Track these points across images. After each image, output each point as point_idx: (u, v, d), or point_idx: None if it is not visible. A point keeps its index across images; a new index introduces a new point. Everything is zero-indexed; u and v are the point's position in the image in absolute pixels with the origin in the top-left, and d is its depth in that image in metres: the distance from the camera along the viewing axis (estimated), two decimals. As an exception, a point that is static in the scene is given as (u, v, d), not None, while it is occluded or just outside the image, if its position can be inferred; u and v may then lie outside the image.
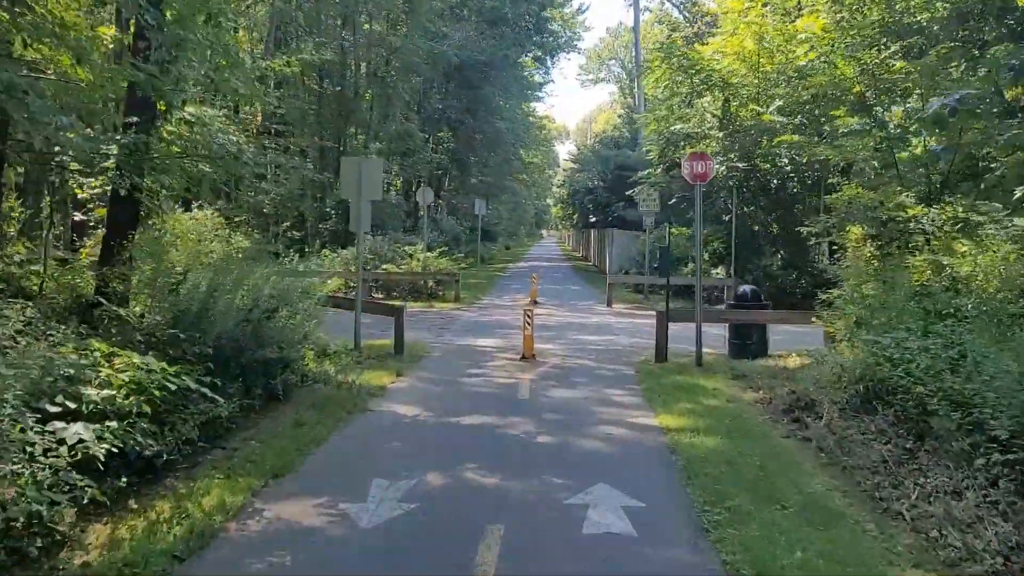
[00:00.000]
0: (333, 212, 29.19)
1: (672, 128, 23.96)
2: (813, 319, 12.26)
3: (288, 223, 29.36)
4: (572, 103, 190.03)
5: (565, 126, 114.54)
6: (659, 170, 25.24)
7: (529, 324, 13.16)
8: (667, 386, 11.09)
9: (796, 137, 20.63)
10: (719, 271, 24.82)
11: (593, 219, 46.77)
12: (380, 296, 23.33)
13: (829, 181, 22.12)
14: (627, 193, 31.39)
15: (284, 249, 28.48)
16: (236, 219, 29.91)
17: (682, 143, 23.25)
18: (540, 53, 45.55)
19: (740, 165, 23.00)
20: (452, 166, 40.64)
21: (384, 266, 23.36)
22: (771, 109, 20.41)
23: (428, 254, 23.91)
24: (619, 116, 51.50)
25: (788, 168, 21.91)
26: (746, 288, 13.88)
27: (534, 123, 59.18)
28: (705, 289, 24.30)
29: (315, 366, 11.13)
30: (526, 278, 36.03)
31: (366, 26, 30.71)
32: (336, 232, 28.37)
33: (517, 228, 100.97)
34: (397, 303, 13.36)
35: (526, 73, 45.31)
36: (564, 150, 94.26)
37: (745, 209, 23.60)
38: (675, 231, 29.02)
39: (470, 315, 20.11)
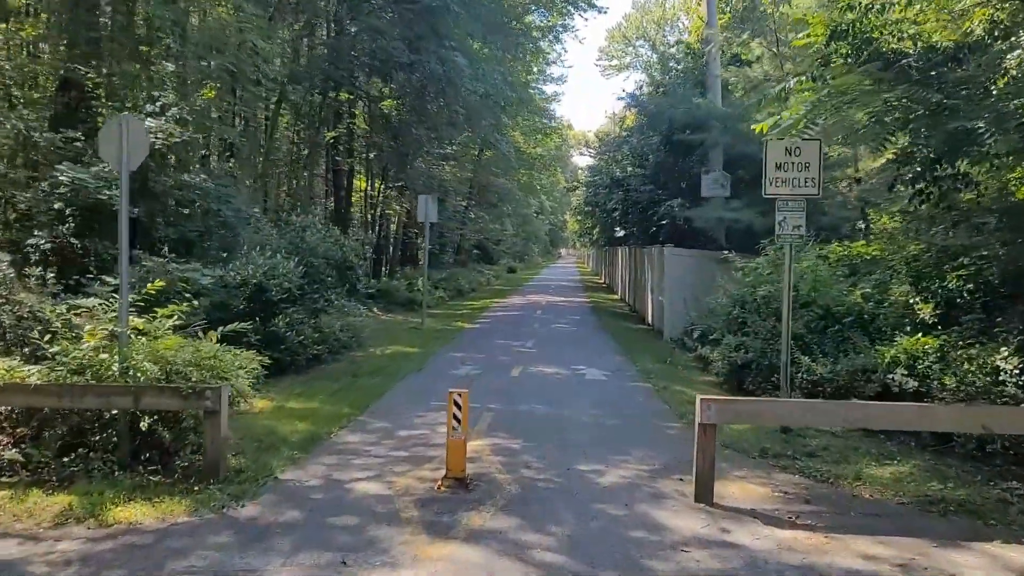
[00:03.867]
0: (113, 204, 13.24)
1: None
2: None
3: (47, 235, 13.31)
4: (592, 109, 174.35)
5: (584, 134, 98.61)
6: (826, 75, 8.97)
7: None
8: None
9: None
10: (1005, 359, 8.59)
11: (621, 232, 30.46)
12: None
13: None
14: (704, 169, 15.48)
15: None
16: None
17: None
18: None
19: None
20: (391, 143, 24.65)
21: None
22: None
23: (139, 320, 7.84)
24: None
25: None
26: None
27: (536, 94, 43.08)
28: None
29: None
30: (513, 331, 20.07)
31: None
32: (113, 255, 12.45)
33: (527, 247, 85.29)
34: None
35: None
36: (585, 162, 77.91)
37: None
38: (820, 248, 13.05)
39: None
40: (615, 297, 35.73)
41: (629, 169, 25.89)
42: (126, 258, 7.53)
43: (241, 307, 12.18)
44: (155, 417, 7.40)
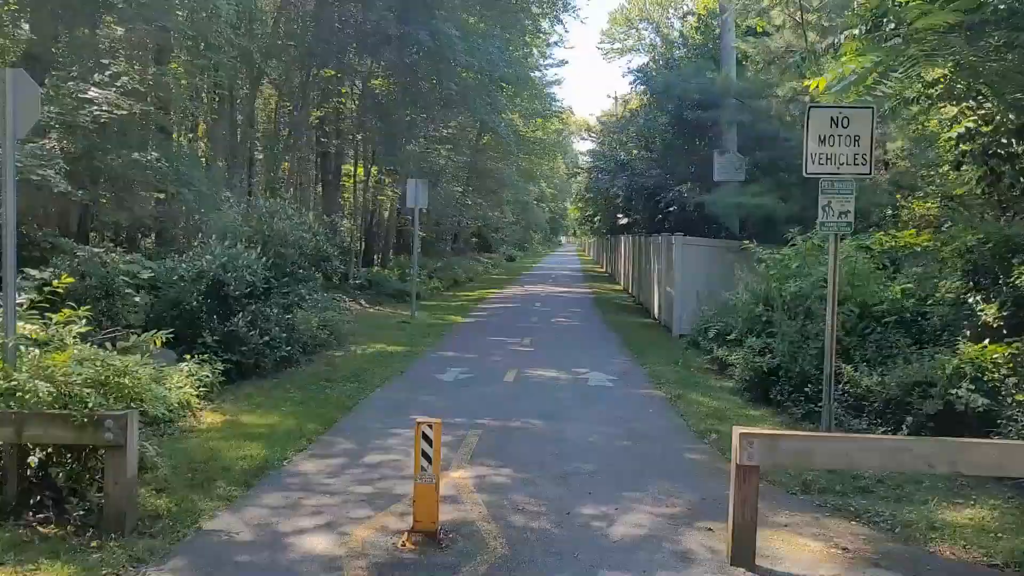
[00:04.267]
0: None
1: None
2: None
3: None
4: (594, 95, 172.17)
5: (586, 120, 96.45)
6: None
7: None
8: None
9: None
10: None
11: (624, 219, 28.92)
12: None
13: None
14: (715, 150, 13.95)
15: None
16: None
17: None
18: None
19: None
20: (380, 124, 23.03)
21: None
22: None
23: (32, 327, 6.28)
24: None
25: None
26: None
27: (537, 78, 41.41)
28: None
29: None
30: (510, 326, 18.40)
31: None
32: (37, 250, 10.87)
33: (527, 235, 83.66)
34: None
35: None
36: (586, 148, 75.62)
37: None
38: (858, 237, 11.49)
39: None
40: (618, 288, 34.23)
41: (634, 152, 24.25)
42: (13, 249, 5.99)
43: (195, 304, 10.65)
44: (48, 450, 5.88)
